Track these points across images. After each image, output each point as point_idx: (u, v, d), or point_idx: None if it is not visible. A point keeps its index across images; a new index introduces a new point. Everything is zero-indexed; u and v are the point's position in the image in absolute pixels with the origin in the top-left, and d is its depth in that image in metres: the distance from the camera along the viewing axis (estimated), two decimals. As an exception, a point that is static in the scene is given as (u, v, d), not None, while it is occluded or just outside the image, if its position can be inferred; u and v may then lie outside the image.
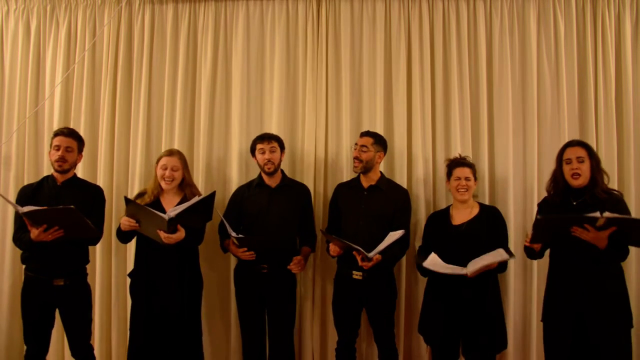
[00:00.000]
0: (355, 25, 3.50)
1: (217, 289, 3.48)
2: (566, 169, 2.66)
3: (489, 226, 2.82)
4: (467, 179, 2.87)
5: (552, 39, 3.39)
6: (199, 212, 2.80)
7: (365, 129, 3.35)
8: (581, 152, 2.64)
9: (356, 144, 3.06)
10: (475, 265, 2.63)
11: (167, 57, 3.57)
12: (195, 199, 2.79)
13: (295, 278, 3.16)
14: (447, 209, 2.99)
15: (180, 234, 2.77)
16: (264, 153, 3.06)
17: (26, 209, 2.62)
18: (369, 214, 2.99)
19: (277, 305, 3.06)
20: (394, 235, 2.83)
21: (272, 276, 3.01)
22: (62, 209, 2.62)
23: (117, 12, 3.60)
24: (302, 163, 3.46)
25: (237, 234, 2.92)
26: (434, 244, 2.87)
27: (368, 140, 3.04)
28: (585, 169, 2.61)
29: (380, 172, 3.12)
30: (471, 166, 2.93)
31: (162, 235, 2.72)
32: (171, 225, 2.72)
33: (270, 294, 3.03)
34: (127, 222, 2.80)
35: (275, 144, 3.09)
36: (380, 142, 3.09)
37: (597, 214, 2.37)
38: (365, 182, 3.07)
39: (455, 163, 2.95)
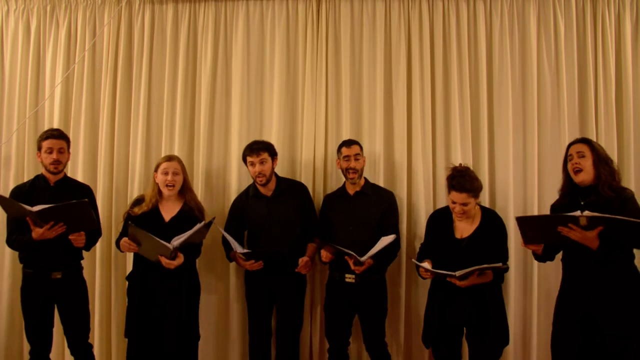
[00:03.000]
0: (355, 25, 3.50)
1: (218, 295, 3.47)
2: (569, 165, 2.60)
3: (490, 239, 2.72)
4: (463, 204, 2.68)
5: (552, 39, 3.39)
6: (198, 235, 2.87)
7: (365, 130, 3.38)
8: (582, 148, 2.56)
9: (347, 156, 3.02)
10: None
11: (167, 57, 3.57)
12: (197, 227, 2.81)
13: (305, 279, 3.17)
14: (450, 214, 2.83)
15: (180, 260, 2.81)
16: (254, 166, 3.01)
17: (37, 208, 2.63)
18: (356, 220, 3.00)
19: (286, 306, 3.07)
20: (385, 240, 2.83)
21: (283, 278, 3.02)
22: (77, 203, 2.67)
23: (117, 12, 3.60)
24: (302, 164, 3.45)
25: (243, 248, 2.94)
26: (434, 253, 2.82)
27: (357, 148, 3.05)
28: (586, 164, 2.52)
29: (365, 178, 3.13)
30: (469, 190, 2.67)
31: (164, 261, 2.77)
32: (173, 253, 2.78)
33: (280, 294, 3.05)
34: (127, 245, 2.83)
35: (265, 155, 3.02)
36: (362, 147, 3.11)
37: (578, 213, 2.32)
38: (351, 189, 3.08)
39: (452, 184, 2.70)
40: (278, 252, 2.96)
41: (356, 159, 3.01)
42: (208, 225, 2.86)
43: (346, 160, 3.03)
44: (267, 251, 2.99)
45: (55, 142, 2.89)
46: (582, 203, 2.55)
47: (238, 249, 2.94)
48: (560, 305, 2.66)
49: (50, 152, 2.87)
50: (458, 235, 2.77)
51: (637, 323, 2.44)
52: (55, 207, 2.65)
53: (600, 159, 2.53)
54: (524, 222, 2.46)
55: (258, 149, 3.02)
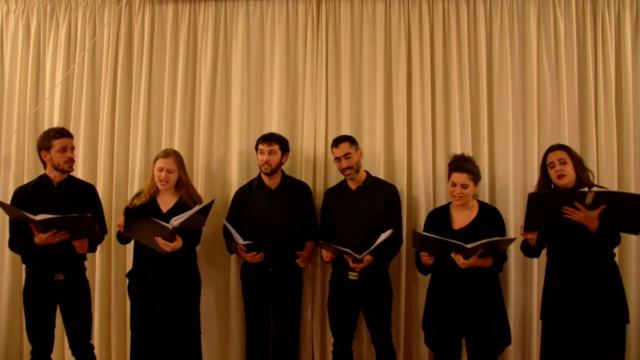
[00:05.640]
0: (355, 25, 3.50)
1: (218, 288, 3.48)
2: (551, 172, 2.71)
3: (487, 230, 2.74)
4: (463, 186, 2.76)
5: (552, 39, 3.39)
6: (197, 218, 2.85)
7: (365, 128, 3.38)
8: (562, 155, 2.69)
9: (337, 157, 3.01)
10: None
11: (167, 57, 3.57)
12: (196, 208, 2.82)
13: (301, 277, 3.20)
14: (448, 208, 2.92)
15: (178, 243, 2.80)
16: (262, 154, 3.08)
17: (40, 217, 2.62)
18: (360, 214, 2.99)
19: (283, 304, 3.08)
20: (383, 235, 2.83)
21: (279, 275, 3.04)
22: (79, 217, 2.66)
23: (117, 12, 3.60)
24: (302, 163, 3.46)
25: (244, 240, 2.94)
26: None
27: (346, 146, 3.01)
28: (568, 170, 2.66)
29: (366, 172, 3.13)
30: (470, 171, 2.78)
31: (161, 242, 2.75)
32: (172, 235, 2.76)
33: (276, 292, 3.06)
34: (121, 224, 2.85)
35: (276, 147, 3.09)
36: (355, 141, 3.09)
37: (586, 189, 2.45)
38: (353, 184, 3.07)
39: (454, 166, 2.83)
40: (280, 243, 2.97)
41: (346, 158, 2.99)
42: (207, 208, 2.84)
43: (338, 161, 3.04)
44: (270, 242, 3.00)
45: (68, 141, 2.88)
46: None
47: (240, 240, 2.94)
48: (549, 301, 2.73)
49: (64, 151, 2.85)
50: (455, 226, 2.82)
51: (620, 313, 2.58)
52: (58, 218, 2.65)
53: (578, 162, 2.70)
54: (535, 198, 2.53)
55: (270, 138, 3.10)
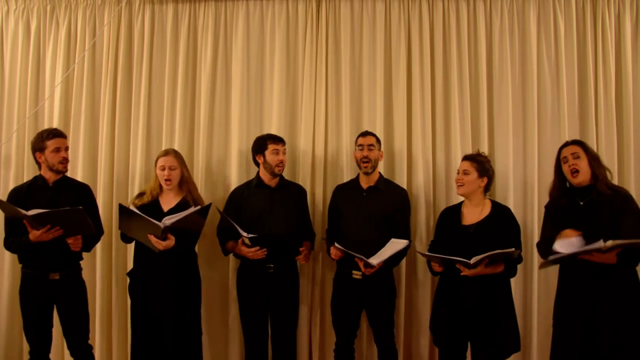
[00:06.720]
0: (355, 25, 3.50)
1: (217, 290, 3.48)
2: (565, 168, 2.61)
3: (499, 230, 2.69)
4: (465, 172, 2.77)
5: (552, 39, 3.39)
6: (194, 220, 2.83)
7: (365, 129, 3.35)
8: (575, 149, 2.60)
9: (361, 144, 3.04)
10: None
11: (167, 57, 3.57)
12: (192, 209, 2.80)
13: (298, 279, 3.19)
14: (460, 206, 2.88)
15: (170, 242, 2.78)
16: (278, 154, 3.09)
17: (32, 212, 2.62)
18: (368, 214, 2.99)
19: (281, 306, 3.07)
20: (398, 245, 2.83)
21: (278, 276, 3.03)
22: (70, 210, 2.64)
23: (117, 12, 3.60)
24: (302, 163, 3.46)
25: (248, 234, 2.93)
26: (441, 241, 2.82)
27: (372, 139, 3.06)
28: (582, 165, 2.55)
29: (379, 173, 3.13)
30: (474, 159, 2.79)
31: (153, 240, 2.74)
32: (164, 233, 2.74)
33: (275, 294, 3.04)
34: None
35: (285, 147, 3.16)
36: (379, 141, 3.13)
37: (601, 243, 2.27)
38: (365, 183, 3.08)
39: (463, 157, 2.88)
40: (288, 235, 2.98)
41: (369, 149, 3.02)
42: (204, 211, 2.81)
43: (360, 149, 3.05)
44: (276, 235, 2.99)
45: (62, 141, 2.89)
46: (581, 203, 2.57)
47: (244, 233, 2.92)
48: (560, 308, 2.65)
49: (58, 151, 2.86)
50: (465, 222, 2.77)
51: (635, 323, 2.45)
52: (50, 212, 2.65)
53: (594, 158, 2.58)
54: (554, 262, 2.45)
55: (282, 140, 3.16)
